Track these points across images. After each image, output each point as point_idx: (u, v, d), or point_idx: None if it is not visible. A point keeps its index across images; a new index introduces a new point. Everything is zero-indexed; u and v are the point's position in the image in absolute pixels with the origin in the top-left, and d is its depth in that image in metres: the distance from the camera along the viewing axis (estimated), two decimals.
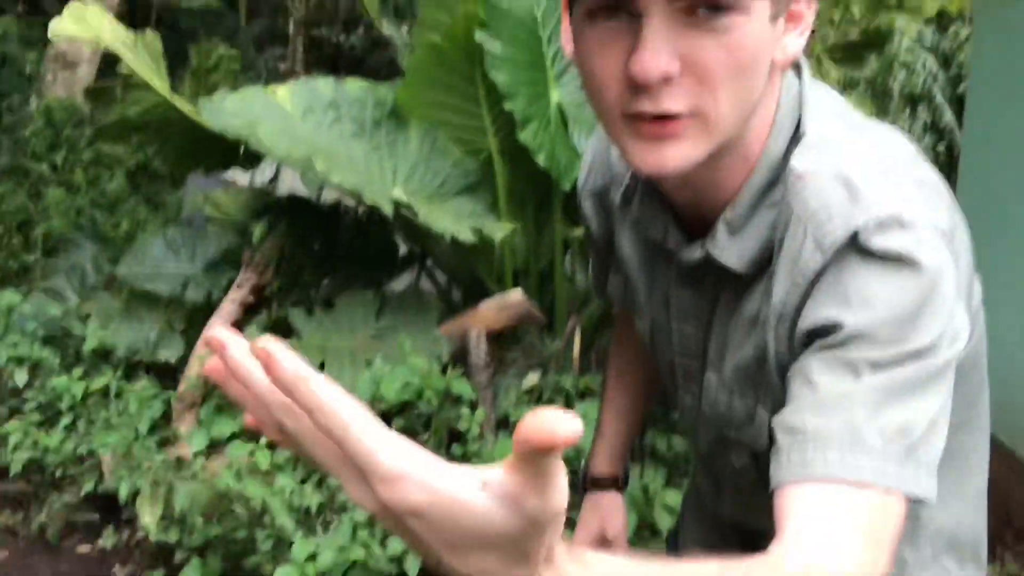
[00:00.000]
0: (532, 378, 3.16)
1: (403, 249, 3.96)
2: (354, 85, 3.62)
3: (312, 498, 2.66)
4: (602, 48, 0.77)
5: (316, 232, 3.80)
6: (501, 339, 3.50)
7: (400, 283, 4.02)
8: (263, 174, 4.52)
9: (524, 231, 3.63)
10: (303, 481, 2.76)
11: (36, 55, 6.64)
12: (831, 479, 0.71)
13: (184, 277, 3.72)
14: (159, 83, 3.47)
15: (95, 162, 5.85)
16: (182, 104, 3.53)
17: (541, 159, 3.19)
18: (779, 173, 0.85)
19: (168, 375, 3.51)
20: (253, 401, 0.50)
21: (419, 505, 0.45)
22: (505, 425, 3.05)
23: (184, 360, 3.43)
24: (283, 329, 3.29)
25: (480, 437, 2.89)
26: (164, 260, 3.79)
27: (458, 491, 0.45)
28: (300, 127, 3.42)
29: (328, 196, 4.00)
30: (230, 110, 3.29)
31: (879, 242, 0.75)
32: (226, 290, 3.59)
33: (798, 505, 0.71)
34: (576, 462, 1.55)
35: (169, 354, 3.50)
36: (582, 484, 1.31)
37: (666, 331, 1.01)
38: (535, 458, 0.42)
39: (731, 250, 0.87)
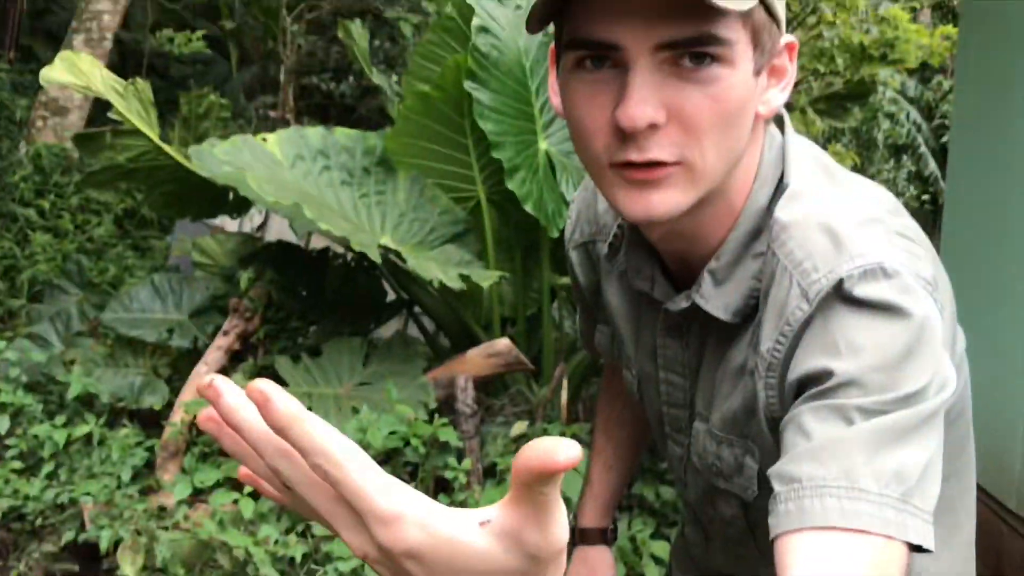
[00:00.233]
0: (519, 426, 3.15)
1: (391, 295, 3.96)
2: (343, 134, 3.65)
3: (296, 548, 2.62)
4: (589, 98, 0.78)
5: (304, 278, 3.80)
6: (488, 387, 3.49)
7: (388, 329, 4.01)
8: (252, 220, 4.53)
9: (512, 279, 3.64)
10: (287, 531, 2.73)
11: (27, 101, 6.67)
12: (830, 527, 0.70)
13: (170, 323, 3.71)
14: (149, 130, 3.48)
15: (83, 207, 5.86)
16: (172, 151, 3.55)
17: (529, 207, 3.21)
18: (763, 224, 0.86)
19: (152, 422, 3.48)
20: (247, 451, 0.49)
21: (417, 546, 0.44)
22: (492, 474, 3.03)
23: (169, 407, 3.40)
24: (269, 376, 3.27)
25: (467, 486, 2.87)
26: (150, 306, 3.77)
27: (456, 531, 0.44)
28: (289, 175, 3.43)
29: (317, 242, 4.00)
30: (220, 157, 3.31)
31: (863, 291, 0.76)
32: (212, 337, 3.57)
33: (799, 555, 0.70)
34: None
35: (154, 401, 3.47)
36: (570, 537, 1.30)
37: (654, 381, 1.02)
38: (534, 489, 0.41)
39: (717, 299, 0.87)
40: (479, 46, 3.24)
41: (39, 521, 3.10)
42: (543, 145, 3.38)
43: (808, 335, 0.78)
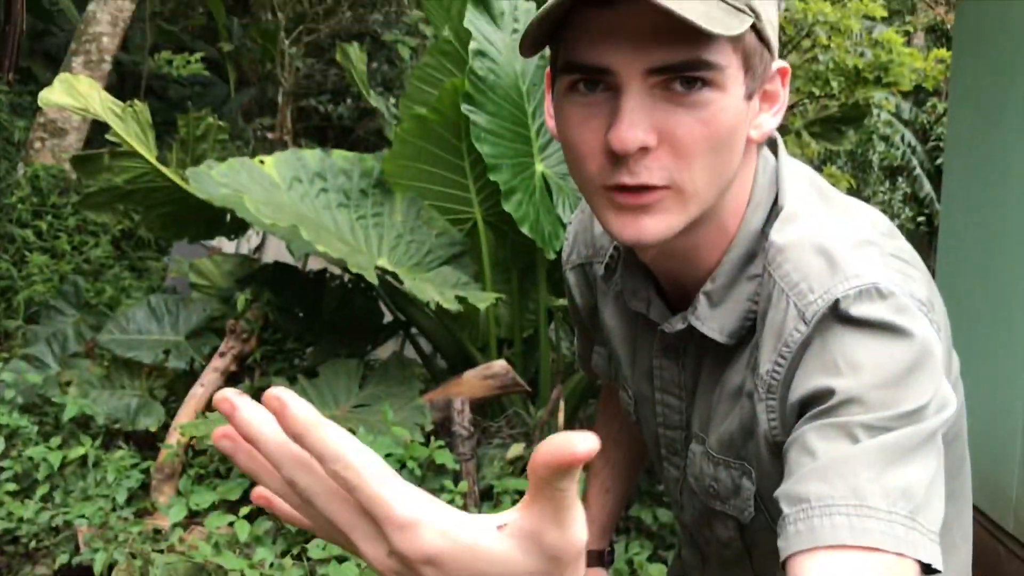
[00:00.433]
0: (516, 449, 3.14)
1: (387, 317, 3.96)
2: (340, 156, 3.66)
3: (292, 572, 2.61)
4: (582, 121, 0.79)
5: (301, 300, 3.80)
6: (485, 409, 3.48)
7: (384, 351, 4.00)
8: (249, 242, 4.54)
9: (508, 300, 3.64)
10: (283, 554, 2.72)
11: (25, 122, 6.69)
12: (841, 545, 0.69)
13: (166, 345, 3.70)
14: (147, 152, 3.50)
15: (80, 228, 5.86)
16: (169, 172, 3.56)
17: (526, 229, 3.22)
18: (758, 247, 0.87)
19: (148, 444, 3.47)
20: (262, 467, 0.49)
21: (436, 552, 0.43)
22: (489, 496, 3.02)
23: (165, 429, 3.39)
24: None
25: (464, 509, 2.86)
26: (147, 328, 3.77)
27: (475, 536, 0.44)
28: (286, 197, 3.44)
29: (314, 264, 4.00)
30: (217, 179, 3.32)
31: (859, 310, 0.77)
32: (209, 358, 3.57)
33: (812, 575, 0.70)
34: None
35: (149, 422, 3.46)
36: None
37: (650, 403, 1.02)
38: (552, 486, 0.41)
39: (712, 321, 0.88)
40: (476, 69, 3.26)
41: (33, 544, 3.08)
42: (539, 167, 3.39)
43: (807, 356, 0.79)
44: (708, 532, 1.02)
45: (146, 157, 3.48)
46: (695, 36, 0.73)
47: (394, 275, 3.26)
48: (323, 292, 3.83)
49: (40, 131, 6.21)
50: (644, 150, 0.76)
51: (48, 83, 3.53)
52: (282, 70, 8.82)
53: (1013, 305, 2.78)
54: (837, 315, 0.77)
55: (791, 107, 6.26)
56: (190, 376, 3.59)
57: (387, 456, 2.84)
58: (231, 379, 3.51)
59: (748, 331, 0.86)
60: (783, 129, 5.93)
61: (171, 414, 3.45)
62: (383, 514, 0.44)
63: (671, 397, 0.98)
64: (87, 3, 6.48)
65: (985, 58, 3.10)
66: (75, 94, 3.42)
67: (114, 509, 3.06)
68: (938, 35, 10.62)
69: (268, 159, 3.56)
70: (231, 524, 2.78)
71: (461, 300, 3.08)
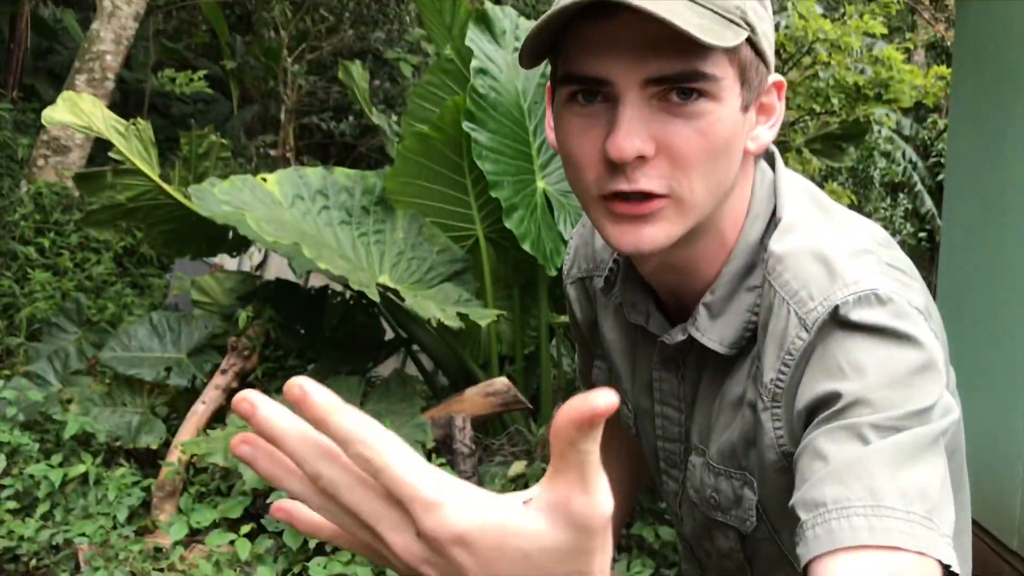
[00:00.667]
0: (518, 466, 3.13)
1: (389, 334, 3.96)
2: (342, 173, 3.67)
3: None
4: (581, 132, 0.80)
5: (302, 317, 3.80)
6: (487, 426, 3.48)
7: (386, 368, 4.00)
8: (251, 259, 4.54)
9: (510, 317, 3.64)
10: (284, 572, 2.71)
11: (29, 140, 6.71)
12: (861, 546, 0.69)
13: (168, 362, 3.70)
14: (149, 169, 3.51)
15: (83, 245, 5.87)
16: (172, 190, 3.56)
17: (527, 246, 3.23)
18: (757, 258, 0.87)
19: (149, 462, 3.46)
20: (283, 470, 0.48)
21: (466, 531, 0.43)
22: None
23: (166, 446, 3.38)
24: None
25: None
26: (148, 345, 3.77)
27: (504, 514, 0.43)
28: (288, 214, 3.45)
29: (316, 281, 4.01)
30: (219, 196, 3.33)
31: (859, 315, 0.77)
32: (211, 375, 3.57)
33: None
34: None
35: (151, 440, 3.45)
36: None
37: (649, 416, 1.02)
38: (576, 448, 0.41)
39: (712, 332, 0.88)
40: (477, 87, 3.27)
41: (33, 562, 3.07)
42: (541, 184, 3.40)
43: (811, 363, 0.79)
44: (709, 544, 1.01)
45: (149, 175, 3.49)
46: (691, 47, 0.74)
47: (395, 292, 3.26)
48: (325, 309, 3.83)
49: (43, 148, 6.23)
50: (642, 159, 0.77)
51: (51, 101, 3.55)
52: (285, 88, 8.86)
53: (1015, 320, 2.78)
54: (837, 321, 0.78)
55: (792, 124, 6.27)
56: (191, 393, 3.59)
57: None
58: (233, 396, 3.50)
59: (748, 341, 0.87)
60: (784, 146, 5.94)
61: (172, 431, 3.44)
62: (409, 494, 0.43)
63: (670, 409, 0.99)
64: (91, 21, 6.52)
65: (985, 75, 3.11)
66: (78, 112, 3.43)
67: (115, 527, 3.05)
68: (938, 52, 10.66)
69: (270, 176, 3.57)
70: (232, 542, 2.78)
71: (462, 317, 3.08)
